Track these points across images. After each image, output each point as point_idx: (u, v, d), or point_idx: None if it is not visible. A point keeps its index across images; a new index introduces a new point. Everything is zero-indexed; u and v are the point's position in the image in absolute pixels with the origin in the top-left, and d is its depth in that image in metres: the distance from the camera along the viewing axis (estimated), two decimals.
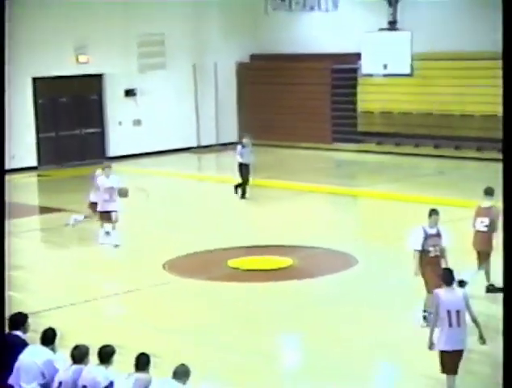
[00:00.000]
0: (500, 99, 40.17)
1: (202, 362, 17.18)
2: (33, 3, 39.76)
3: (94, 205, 28.70)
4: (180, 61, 47.42)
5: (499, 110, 42.04)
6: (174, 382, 13.44)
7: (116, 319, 21.73)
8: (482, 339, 15.21)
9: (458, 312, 14.91)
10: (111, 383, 13.78)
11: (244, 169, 34.49)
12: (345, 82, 47.13)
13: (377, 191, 36.93)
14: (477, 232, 22.61)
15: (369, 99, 46.57)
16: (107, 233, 27.89)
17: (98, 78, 44.77)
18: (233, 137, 49.79)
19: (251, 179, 34.62)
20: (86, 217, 29.40)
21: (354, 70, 43.65)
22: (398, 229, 30.02)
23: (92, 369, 14.05)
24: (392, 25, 37.62)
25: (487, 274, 22.49)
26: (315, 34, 47.84)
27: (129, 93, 45.89)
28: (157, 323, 21.14)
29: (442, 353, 15.08)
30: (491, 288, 22.27)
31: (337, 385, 17.50)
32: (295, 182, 36.89)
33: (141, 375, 13.77)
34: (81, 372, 13.97)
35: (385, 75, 38.39)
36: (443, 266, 18.70)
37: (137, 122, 46.30)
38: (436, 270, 18.49)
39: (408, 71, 37.09)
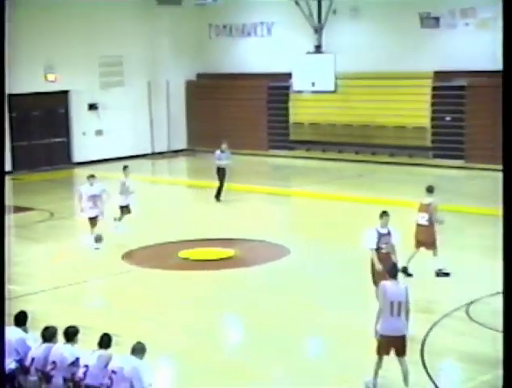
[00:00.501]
0: (408, 113, 40.78)
1: (157, 340, 17.45)
2: (8, 30, 39.63)
3: (122, 208, 29.01)
4: (136, 79, 47.52)
5: (408, 122, 42.88)
6: (132, 358, 13.67)
7: (82, 303, 21.84)
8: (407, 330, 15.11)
9: (399, 303, 14.88)
10: (77, 359, 13.99)
11: (221, 172, 34.30)
12: (278, 98, 47.32)
13: (307, 191, 37.15)
14: (418, 225, 23.07)
15: (299, 112, 46.72)
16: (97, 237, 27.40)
17: (64, 93, 44.76)
18: (183, 145, 50.22)
19: (225, 183, 34.49)
20: (115, 219, 29.11)
21: (287, 87, 43.91)
22: (325, 224, 30.51)
23: (60, 346, 14.28)
24: (318, 49, 37.98)
25: (436, 259, 23.09)
26: (252, 56, 48.04)
27: (92, 107, 45.95)
28: (118, 307, 21.35)
29: (382, 337, 15.03)
30: (439, 273, 23.01)
31: (273, 361, 17.79)
32: (238, 184, 37.02)
33: (103, 352, 13.99)
34: (51, 349, 14.20)
35: (313, 92, 38.71)
36: (394, 261, 18.70)
37: (99, 132, 46.37)
38: (386, 265, 18.15)
39: (332, 88, 37.42)
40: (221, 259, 25.71)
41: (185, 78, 50.47)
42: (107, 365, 13.69)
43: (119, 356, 13.88)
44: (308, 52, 37.99)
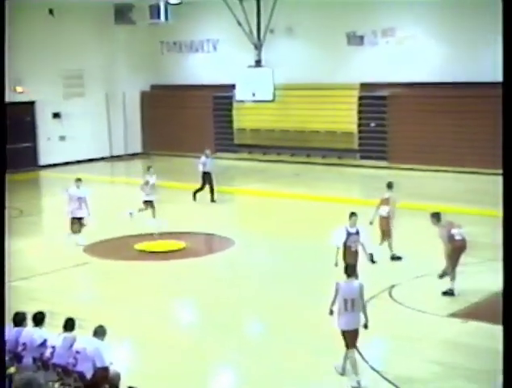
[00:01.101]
0: (338, 120, 40.78)
1: (117, 324, 17.35)
2: None
3: (146, 203, 28.80)
4: (95, 90, 47.27)
5: (338, 127, 43.03)
6: (94, 339, 13.65)
7: (48, 291, 21.68)
8: (366, 325, 14.85)
9: (353, 300, 14.64)
10: (45, 341, 13.93)
11: (207, 177, 33.73)
12: (223, 107, 47.27)
13: (250, 189, 37.23)
14: (381, 217, 23.34)
15: (242, 119, 46.71)
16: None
17: (31, 104, 44.39)
18: (138, 149, 50.03)
19: (215, 185, 33.95)
20: (140, 210, 28.93)
21: (230, 97, 43.77)
22: (266, 218, 30.57)
23: (29, 330, 14.25)
24: (258, 63, 37.84)
25: (390, 246, 23.41)
26: (200, 69, 48.00)
27: (56, 115, 45.61)
28: (81, 293, 21.30)
29: (343, 332, 14.80)
30: (394, 257, 23.33)
31: (224, 339, 17.79)
32: (188, 183, 36.95)
33: (68, 334, 13.94)
34: (21, 332, 14.12)
35: (254, 101, 38.56)
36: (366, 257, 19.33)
37: (62, 138, 46.00)
38: (354, 262, 18.52)
39: (271, 98, 37.30)
40: (174, 251, 25.64)
41: (140, 89, 50.27)
42: (71, 346, 13.65)
43: (83, 338, 13.87)
44: (249, 66, 37.86)
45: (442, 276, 20.22)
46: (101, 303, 20.36)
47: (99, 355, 13.42)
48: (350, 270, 15.30)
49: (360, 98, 43.02)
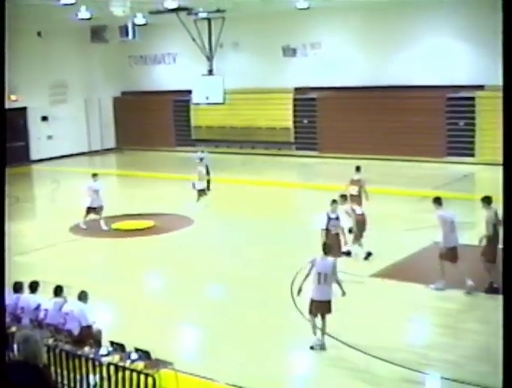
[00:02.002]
0: (277, 118, 40.73)
1: (98, 289, 17.35)
2: None
3: (199, 191, 28.44)
4: (76, 97, 46.97)
5: (277, 124, 43.11)
6: (79, 303, 13.66)
7: (41, 264, 21.58)
8: (343, 293, 14.37)
9: (326, 274, 14.09)
10: (39, 305, 13.96)
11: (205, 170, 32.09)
12: (182, 108, 47.12)
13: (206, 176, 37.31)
14: (352, 196, 22.78)
15: (198, 119, 46.62)
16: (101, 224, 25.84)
17: (23, 109, 43.93)
18: (113, 144, 49.79)
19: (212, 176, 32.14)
20: (198, 200, 28.45)
21: (188, 101, 43.75)
22: (219, 201, 30.59)
23: (26, 296, 14.29)
24: (210, 72, 37.91)
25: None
26: (162, 78, 47.86)
27: (44, 118, 45.20)
28: (69, 265, 21.20)
29: (312, 301, 14.30)
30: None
31: (190, 301, 17.84)
32: (155, 172, 36.91)
33: (58, 299, 13.96)
34: (20, 298, 14.17)
35: (207, 103, 38.60)
36: (342, 240, 18.49)
37: (50, 137, 45.60)
38: (336, 243, 17.86)
39: (221, 101, 37.37)
40: (144, 229, 25.61)
41: (112, 96, 49.96)
42: (61, 309, 13.67)
43: (70, 301, 13.89)
44: (203, 75, 37.89)
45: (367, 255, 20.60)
46: (85, 273, 20.30)
47: (84, 315, 13.44)
48: (327, 248, 14.69)
49: (295, 100, 43.26)
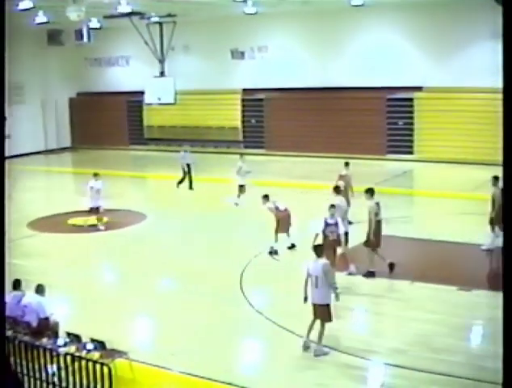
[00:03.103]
0: (226, 117, 40.69)
1: (56, 283, 17.21)
2: None
3: (240, 187, 27.60)
4: (33, 98, 46.37)
5: (226, 124, 43.18)
6: (36, 295, 13.56)
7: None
8: (337, 298, 13.83)
9: (317, 277, 13.31)
10: None
11: (188, 168, 31.97)
12: (135, 109, 46.94)
13: (159, 174, 37.19)
14: (339, 190, 22.77)
15: (150, 118, 46.50)
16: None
17: None
18: (68, 144, 49.37)
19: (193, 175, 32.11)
20: (238, 196, 27.65)
21: (140, 101, 43.55)
22: (172, 197, 30.50)
23: None
24: (162, 74, 37.80)
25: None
26: (116, 80, 47.61)
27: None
28: (25, 259, 20.94)
29: (312, 305, 13.58)
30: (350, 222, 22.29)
31: (144, 292, 17.77)
32: (109, 170, 36.62)
33: (16, 292, 13.84)
34: None
35: (159, 104, 38.50)
36: (340, 247, 17.06)
37: (8, 136, 44.99)
38: (332, 250, 16.55)
39: (173, 101, 37.31)
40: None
41: (68, 96, 49.56)
42: (19, 302, 13.56)
43: (28, 294, 13.77)
44: (155, 76, 37.79)
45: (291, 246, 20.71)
46: (41, 266, 20.12)
47: (42, 308, 13.36)
48: (319, 251, 13.78)
49: (243, 100, 43.36)
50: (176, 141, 45.10)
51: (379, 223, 18.21)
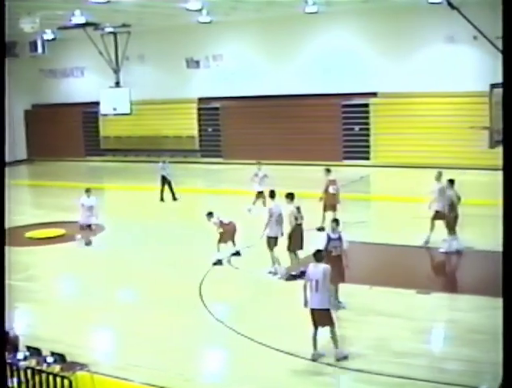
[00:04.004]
0: (183, 127, 40.60)
1: (15, 297, 16.91)
2: None
3: (258, 194, 27.04)
4: None
5: (183, 133, 43.11)
6: None
7: None
8: (338, 304, 13.99)
9: (317, 281, 13.20)
10: None
11: (164, 179, 31.33)
12: (91, 119, 46.72)
13: (115, 185, 36.95)
14: (331, 194, 23.55)
15: (106, 129, 46.35)
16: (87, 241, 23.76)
17: None
18: (24, 156, 48.87)
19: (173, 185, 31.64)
20: (254, 202, 27.05)
21: (96, 112, 43.28)
22: (129, 208, 30.30)
23: None
24: (117, 84, 37.60)
25: (325, 218, 23.14)
26: (71, 91, 47.38)
27: None
28: None
29: (311, 311, 13.37)
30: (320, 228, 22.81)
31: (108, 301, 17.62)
32: (65, 182, 36.35)
33: None
34: None
35: (115, 114, 38.25)
36: (344, 262, 16.01)
37: None
38: (336, 267, 15.08)
39: (128, 111, 37.12)
40: (56, 237, 25.15)
41: (23, 108, 49.18)
42: None
43: None
44: (110, 87, 37.55)
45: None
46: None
47: None
48: (319, 256, 13.66)
49: (199, 109, 43.41)
50: (133, 151, 45.13)
51: (299, 227, 18.58)
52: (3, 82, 8.83)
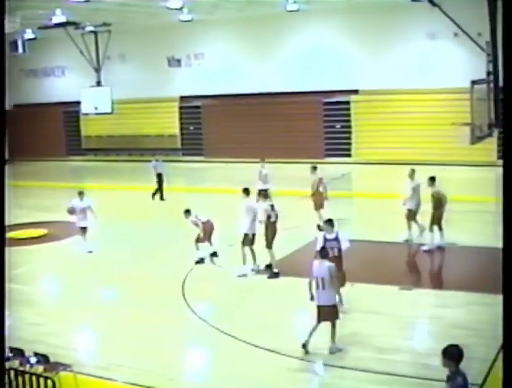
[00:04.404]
0: (165, 125, 40.40)
1: None
2: None
3: (260, 192, 24.87)
4: None
5: (165, 131, 43.02)
6: None
7: None
8: (340, 301, 14.07)
9: (323, 279, 13.23)
10: None
11: (160, 177, 31.08)
12: (72, 119, 46.67)
13: (98, 184, 36.75)
14: (321, 193, 23.65)
15: (88, 129, 46.28)
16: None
17: None
18: (5, 156, 48.52)
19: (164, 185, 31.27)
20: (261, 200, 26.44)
21: (77, 112, 43.05)
22: (111, 207, 30.11)
23: None
24: (99, 83, 37.38)
25: (320, 216, 23.03)
26: (52, 90, 47.22)
27: None
28: None
29: (317, 307, 13.46)
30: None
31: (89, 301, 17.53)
32: (46, 182, 36.20)
33: None
34: None
35: (96, 114, 38.02)
36: (342, 264, 15.36)
37: None
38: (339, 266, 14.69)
39: (109, 110, 36.92)
40: (38, 237, 25.04)
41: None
42: None
43: None
44: (91, 86, 37.34)
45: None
46: None
47: None
48: (324, 253, 13.69)
49: (180, 108, 43.39)
50: (114, 150, 45.03)
51: (273, 224, 18.78)
52: (3, 80, 8.71)
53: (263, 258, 19.10)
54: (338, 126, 39.32)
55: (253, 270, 19.07)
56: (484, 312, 15.04)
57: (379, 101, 37.22)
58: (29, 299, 18.19)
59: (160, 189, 31.01)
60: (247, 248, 19.03)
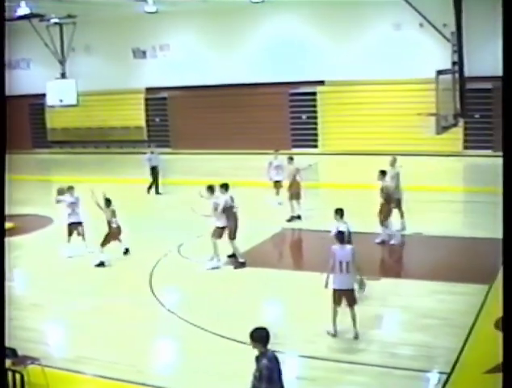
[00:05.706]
0: (130, 117, 40.11)
1: None
2: None
3: (275, 183, 25.87)
4: None
5: (131, 123, 42.84)
6: None
7: None
8: (362, 288, 13.90)
9: (347, 263, 13.35)
10: None
11: (155, 170, 30.21)
12: (38, 111, 46.39)
13: (64, 177, 36.46)
14: (297, 182, 23.96)
15: (53, 121, 45.98)
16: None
17: None
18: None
19: (161, 178, 30.53)
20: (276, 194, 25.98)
21: (43, 104, 42.78)
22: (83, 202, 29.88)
23: None
24: (63, 75, 37.21)
25: (299, 205, 23.72)
26: (18, 83, 46.04)
27: None
28: None
29: (334, 291, 13.53)
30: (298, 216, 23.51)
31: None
32: (14, 175, 35.69)
33: None
34: None
35: (62, 106, 37.81)
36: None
37: None
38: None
39: (75, 102, 36.76)
40: (5, 230, 24.75)
41: None
42: None
43: None
44: (57, 78, 37.14)
45: None
46: None
47: None
48: (341, 238, 13.69)
49: (146, 99, 43.26)
50: (80, 142, 44.77)
51: (234, 215, 18.92)
52: (3, 77, 8.67)
53: (225, 249, 19.09)
54: (304, 117, 39.41)
55: (212, 259, 18.93)
56: (452, 301, 15.16)
57: (346, 92, 37.34)
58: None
59: (156, 183, 30.18)
60: (217, 240, 18.92)
